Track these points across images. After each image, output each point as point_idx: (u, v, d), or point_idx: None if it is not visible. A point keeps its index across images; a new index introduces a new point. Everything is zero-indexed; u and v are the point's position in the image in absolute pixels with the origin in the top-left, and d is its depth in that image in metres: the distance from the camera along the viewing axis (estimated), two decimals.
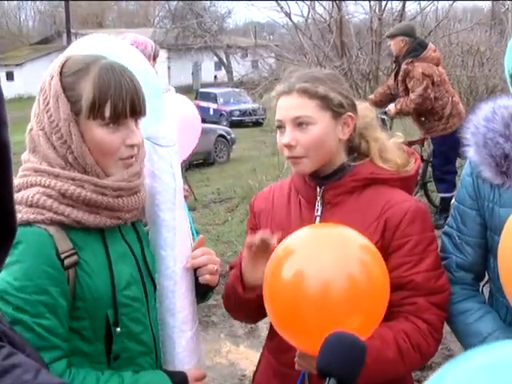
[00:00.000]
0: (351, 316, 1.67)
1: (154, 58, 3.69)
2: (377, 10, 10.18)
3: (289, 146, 2.02)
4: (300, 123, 2.00)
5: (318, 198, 2.08)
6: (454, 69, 11.69)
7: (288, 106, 2.02)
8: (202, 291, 2.04)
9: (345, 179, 2.06)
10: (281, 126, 2.05)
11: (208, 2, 39.36)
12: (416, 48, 7.42)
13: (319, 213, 2.08)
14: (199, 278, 1.98)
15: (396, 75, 7.68)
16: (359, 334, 1.68)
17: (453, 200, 2.24)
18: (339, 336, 1.61)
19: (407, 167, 2.11)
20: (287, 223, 2.11)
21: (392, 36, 7.68)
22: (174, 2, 40.10)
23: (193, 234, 3.34)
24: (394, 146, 2.14)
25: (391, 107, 7.44)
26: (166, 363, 1.94)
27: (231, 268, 2.30)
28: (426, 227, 2.02)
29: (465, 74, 11.48)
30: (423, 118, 7.47)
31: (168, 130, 1.93)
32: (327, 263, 1.68)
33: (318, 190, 2.09)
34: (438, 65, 7.52)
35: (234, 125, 25.06)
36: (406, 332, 1.94)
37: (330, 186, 2.07)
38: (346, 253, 1.72)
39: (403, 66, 7.38)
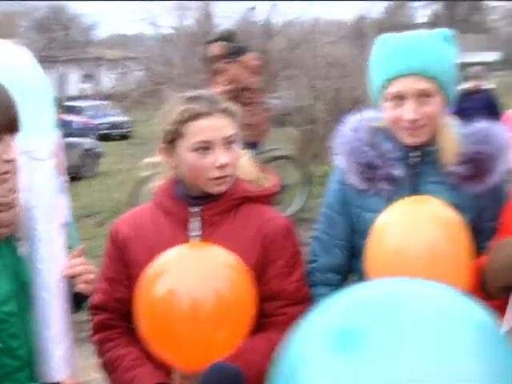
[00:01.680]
0: (220, 328, 1.75)
1: None
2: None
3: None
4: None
5: (195, 217, 2.10)
6: (320, 81, 12.03)
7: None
8: (77, 300, 2.03)
9: (224, 199, 2.10)
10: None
11: (73, 12, 38.47)
12: (236, 51, 7.41)
13: (199, 232, 2.09)
14: (75, 287, 1.98)
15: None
16: (229, 345, 1.79)
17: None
18: (219, 368, 1.71)
19: (268, 183, 2.20)
20: (159, 245, 2.05)
21: (212, 41, 7.65)
22: (41, 12, 38.80)
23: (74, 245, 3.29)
24: (246, 161, 2.20)
25: None
26: (43, 374, 1.92)
27: None
28: (295, 241, 2.15)
29: (330, 85, 11.84)
30: None
31: (44, 143, 1.92)
32: (195, 281, 1.75)
33: (196, 209, 2.10)
34: (257, 73, 7.55)
35: (101, 138, 24.59)
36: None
37: (209, 206, 2.09)
38: (212, 271, 1.80)
39: (218, 66, 7.30)
